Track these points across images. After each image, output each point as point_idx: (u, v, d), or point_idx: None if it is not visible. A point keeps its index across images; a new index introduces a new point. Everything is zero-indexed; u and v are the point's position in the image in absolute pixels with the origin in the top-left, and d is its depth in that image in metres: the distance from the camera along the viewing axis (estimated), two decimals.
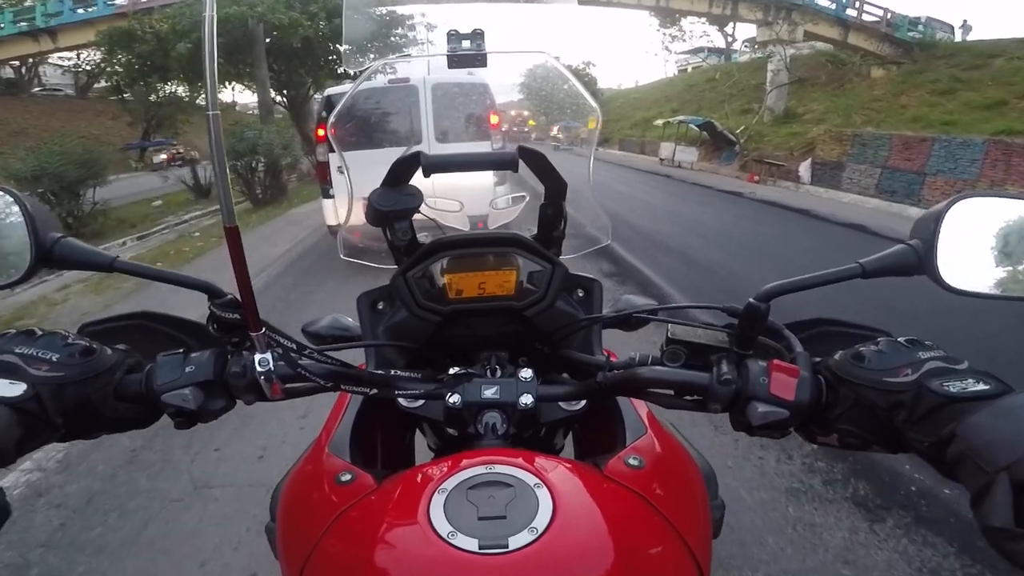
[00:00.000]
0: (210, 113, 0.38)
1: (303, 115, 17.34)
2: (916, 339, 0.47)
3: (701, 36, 37.87)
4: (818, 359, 0.51)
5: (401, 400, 0.64)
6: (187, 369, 0.51)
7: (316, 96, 16.89)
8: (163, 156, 26.46)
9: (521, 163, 0.66)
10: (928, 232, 0.50)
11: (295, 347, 0.51)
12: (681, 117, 18.83)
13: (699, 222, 8.17)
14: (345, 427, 0.69)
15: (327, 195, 5.33)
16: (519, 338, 0.72)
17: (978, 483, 0.36)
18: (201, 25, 0.36)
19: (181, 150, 25.92)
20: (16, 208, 0.51)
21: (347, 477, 0.56)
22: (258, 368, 0.49)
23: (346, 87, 4.68)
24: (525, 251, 0.69)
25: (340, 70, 17.44)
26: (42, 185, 8.52)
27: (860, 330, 0.57)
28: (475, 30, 0.68)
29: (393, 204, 0.67)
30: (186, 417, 0.52)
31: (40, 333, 0.49)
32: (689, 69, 42.33)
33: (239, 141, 10.66)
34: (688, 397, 0.54)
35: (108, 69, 14.88)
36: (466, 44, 0.68)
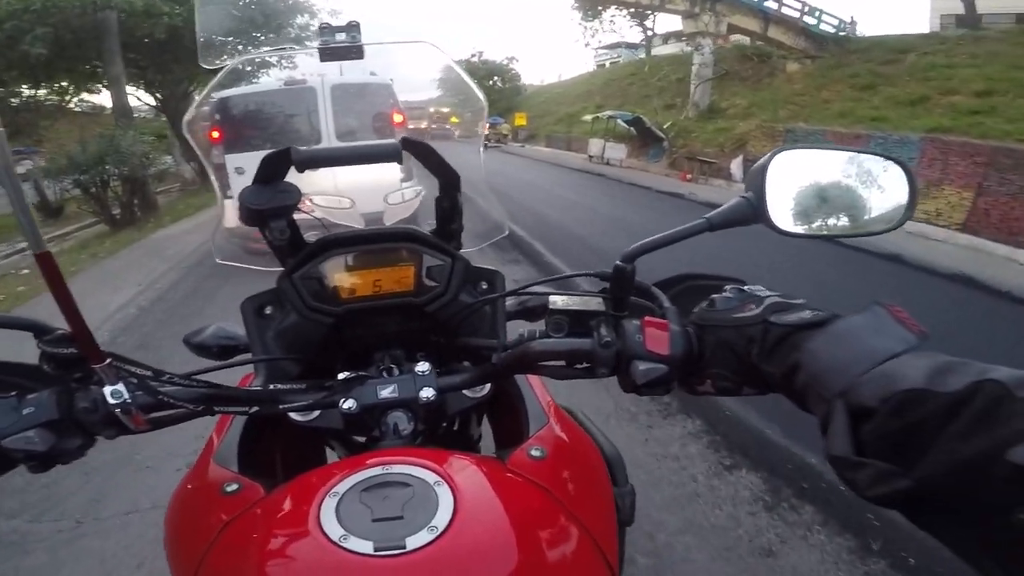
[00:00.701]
0: None
1: (181, 117, 15.22)
2: (760, 287, 0.51)
3: (612, 31, 37.70)
4: (685, 312, 0.52)
5: (294, 415, 0.61)
6: (25, 411, 0.47)
7: (196, 95, 15.10)
8: (26, 166, 23.19)
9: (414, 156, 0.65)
10: (757, 184, 0.54)
11: (150, 374, 0.49)
12: (609, 112, 18.05)
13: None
14: (232, 437, 0.65)
15: (227, 196, 4.44)
16: (420, 335, 0.70)
17: (822, 411, 0.37)
18: None
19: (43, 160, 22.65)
20: None
21: (233, 487, 0.54)
22: (111, 401, 0.46)
23: (240, 89, 4.67)
24: (422, 245, 0.67)
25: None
26: None
27: (719, 281, 0.58)
28: (350, 22, 0.67)
29: (267, 202, 0.63)
30: (39, 460, 0.47)
31: None
32: (607, 64, 42.47)
33: (81, 152, 8.65)
34: (578, 366, 0.54)
35: None
36: (340, 37, 0.67)
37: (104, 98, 15.92)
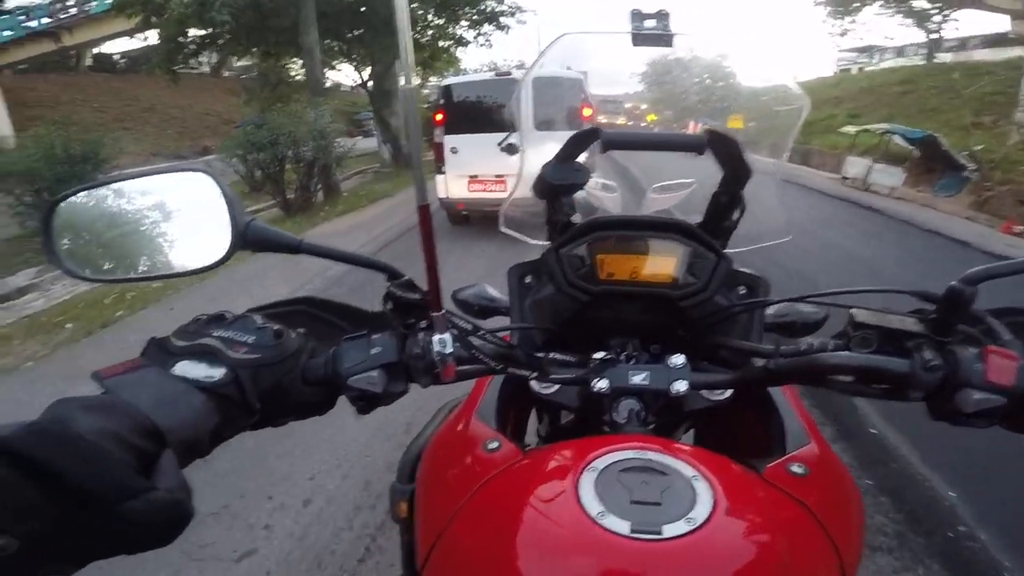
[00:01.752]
0: (405, 86, 0.38)
1: (384, 95, 14.49)
2: None
3: (865, 31, 31.17)
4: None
5: (534, 384, 0.65)
6: (372, 351, 0.51)
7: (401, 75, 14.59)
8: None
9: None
10: None
11: (471, 328, 0.54)
12: (885, 126, 13.70)
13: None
14: (492, 395, 0.69)
15: (440, 171, 6.13)
16: (660, 326, 0.69)
17: None
18: None
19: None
20: (216, 191, 0.51)
21: (494, 445, 0.56)
22: (437, 349, 0.50)
23: (461, 78, 5.80)
24: (689, 239, 0.65)
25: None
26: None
27: None
28: (660, 11, 0.67)
29: (563, 178, 0.67)
30: (368, 401, 0.52)
31: (231, 317, 0.48)
32: (855, 69, 35.94)
33: (254, 130, 7.97)
34: (877, 385, 0.52)
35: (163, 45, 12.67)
36: (649, 24, 0.66)
37: (340, 74, 16.01)
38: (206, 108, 24.58)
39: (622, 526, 0.39)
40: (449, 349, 0.50)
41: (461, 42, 15.54)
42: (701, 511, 0.41)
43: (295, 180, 8.60)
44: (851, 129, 14.50)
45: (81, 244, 0.57)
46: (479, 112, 6.04)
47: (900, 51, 33.20)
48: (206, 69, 30.92)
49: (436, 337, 0.50)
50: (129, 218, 0.57)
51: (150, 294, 4.67)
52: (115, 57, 29.26)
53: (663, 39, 0.66)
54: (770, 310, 0.68)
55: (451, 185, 6.13)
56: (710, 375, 0.62)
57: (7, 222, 6.52)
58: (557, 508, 0.43)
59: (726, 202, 0.69)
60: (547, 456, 0.52)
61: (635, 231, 0.66)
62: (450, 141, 6.06)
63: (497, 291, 0.79)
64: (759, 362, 0.58)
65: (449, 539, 0.48)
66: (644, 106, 1.13)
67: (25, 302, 5.03)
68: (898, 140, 13.10)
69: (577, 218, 0.71)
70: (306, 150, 8.22)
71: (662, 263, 0.65)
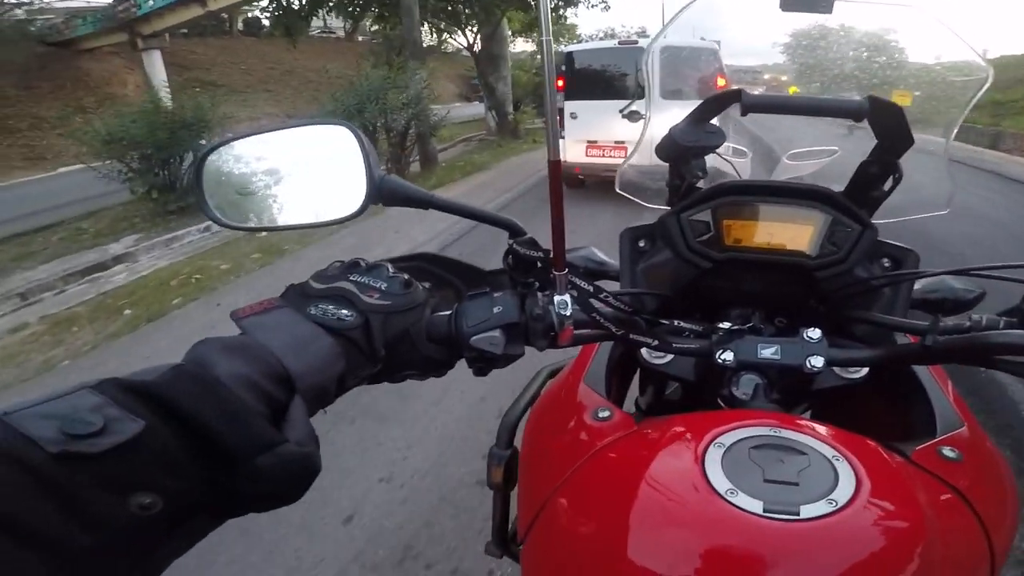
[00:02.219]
0: (544, 39, 0.38)
1: (492, 59, 13.68)
2: None
3: None
4: None
5: (645, 353, 0.64)
6: (495, 310, 0.49)
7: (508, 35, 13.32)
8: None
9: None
10: None
11: (591, 290, 0.51)
12: None
13: None
14: (600, 363, 0.66)
15: (561, 137, 5.72)
16: (789, 298, 0.66)
17: None
18: None
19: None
20: (355, 144, 0.52)
21: (605, 414, 0.55)
22: (557, 310, 0.49)
23: (582, 45, 5.75)
24: (832, 207, 0.61)
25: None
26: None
27: None
28: None
29: (695, 140, 0.63)
30: (486, 362, 0.49)
31: (366, 264, 0.48)
32: None
33: (343, 95, 7.51)
34: None
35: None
36: None
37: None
38: (339, 72, 25.26)
39: (754, 504, 0.38)
40: (569, 311, 0.48)
41: (571, 2, 14.58)
42: (843, 492, 0.39)
43: (387, 151, 8.09)
44: None
45: (228, 194, 0.58)
46: (600, 79, 6.13)
47: None
48: (342, 34, 32.08)
49: (557, 298, 0.48)
50: (272, 169, 0.57)
51: (211, 280, 4.55)
52: (262, 20, 31.29)
53: (821, 4, 0.63)
54: (916, 285, 0.64)
55: (569, 149, 6.18)
56: (850, 351, 0.58)
57: (120, 187, 6.74)
58: (680, 483, 0.41)
59: (877, 171, 0.63)
60: (666, 427, 0.49)
61: (771, 196, 0.63)
62: (570, 107, 6.15)
63: (605, 255, 0.76)
64: (903, 339, 0.57)
65: (554, 509, 0.48)
66: (784, 78, 1.02)
67: (110, 274, 5.09)
68: None
69: (703, 184, 0.67)
70: (397, 118, 7.62)
71: (798, 231, 0.61)
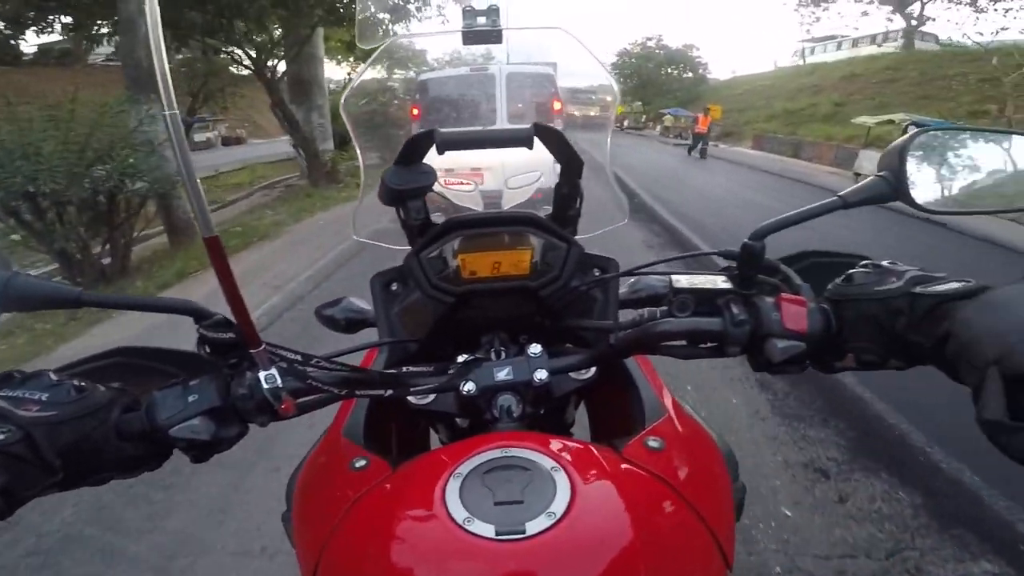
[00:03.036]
0: (167, 113, 0.34)
1: (301, 85, 11.38)
2: (894, 261, 0.50)
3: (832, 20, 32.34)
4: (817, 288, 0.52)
5: (411, 399, 0.64)
6: (190, 399, 0.48)
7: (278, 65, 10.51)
8: (207, 135, 22.63)
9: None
10: (895, 163, 0.52)
11: (299, 358, 0.50)
12: (910, 116, 11.63)
13: None
14: (359, 413, 0.66)
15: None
16: (527, 318, 0.70)
17: (974, 380, 0.37)
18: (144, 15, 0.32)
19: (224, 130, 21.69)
20: None
21: (362, 463, 0.55)
22: (265, 386, 0.47)
23: (439, 73, 2.80)
24: (539, 230, 0.66)
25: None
26: None
27: (843, 258, 0.59)
28: (491, 6, 0.68)
29: (407, 182, 0.63)
30: (200, 450, 0.48)
31: (22, 376, 0.45)
32: (804, 60, 38.07)
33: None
34: (703, 345, 0.54)
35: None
36: (481, 20, 0.68)
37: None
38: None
39: (487, 529, 0.39)
40: (279, 383, 0.47)
41: (399, 17, 11.76)
42: (560, 503, 0.40)
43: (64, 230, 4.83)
44: (868, 120, 12.21)
45: None
46: (455, 106, 4.76)
47: (860, 40, 34.56)
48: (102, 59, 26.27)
49: (262, 374, 0.47)
50: None
51: None
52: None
53: (492, 35, 0.68)
54: (624, 288, 0.71)
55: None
56: (565, 358, 0.61)
57: None
58: (426, 520, 0.42)
59: (567, 192, 0.68)
60: (415, 468, 0.49)
61: (489, 227, 0.66)
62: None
63: (364, 302, 0.77)
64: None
65: (326, 564, 0.47)
66: (609, 98, 0.99)
67: None
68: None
69: (437, 217, 0.68)
70: (88, 181, 4.77)
71: (519, 256, 0.65)
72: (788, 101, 23.54)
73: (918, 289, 0.44)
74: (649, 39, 41.37)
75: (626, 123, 35.44)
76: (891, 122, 11.80)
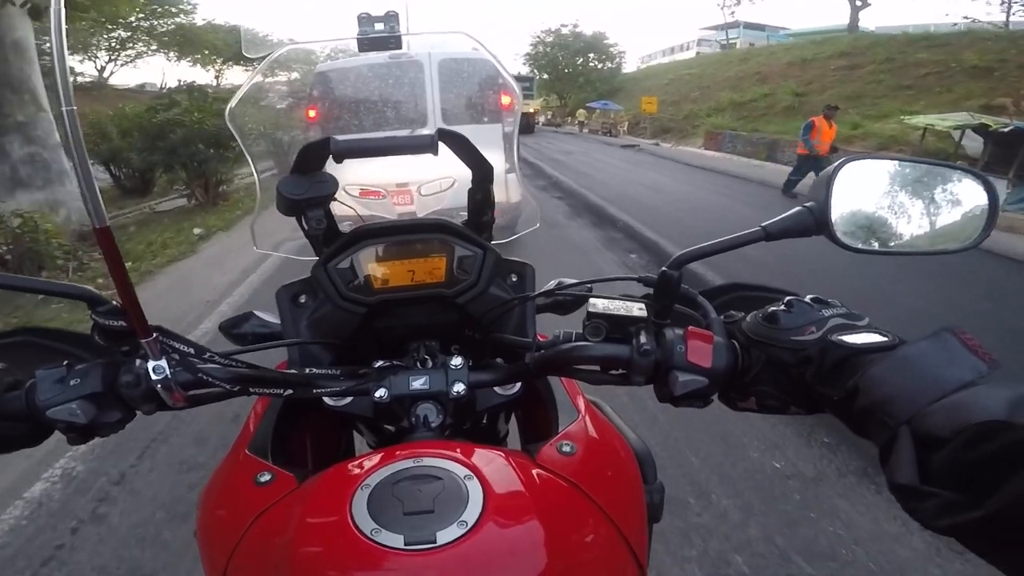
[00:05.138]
0: (65, 109, 0.35)
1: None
2: (820, 297, 0.48)
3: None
4: (732, 323, 0.52)
5: (327, 399, 0.63)
6: (72, 382, 0.48)
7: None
8: None
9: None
10: (822, 195, 0.50)
11: (192, 351, 0.48)
12: (961, 116, 8.46)
13: None
14: (266, 427, 0.65)
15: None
16: (452, 327, 0.69)
17: (883, 438, 0.36)
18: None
19: None
20: None
21: (266, 478, 0.54)
22: (153, 376, 0.47)
23: (340, 63, 2.43)
24: (453, 236, 0.65)
25: None
26: None
27: (770, 292, 0.58)
28: (388, 12, 0.66)
29: (304, 192, 0.60)
30: (79, 432, 0.49)
31: None
32: (717, 47, 37.41)
33: None
34: (613, 372, 0.53)
35: None
36: (379, 27, 0.66)
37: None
38: None
39: (396, 540, 0.38)
40: (166, 374, 0.46)
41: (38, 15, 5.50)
42: (473, 511, 0.40)
43: None
44: (920, 120, 8.90)
45: None
46: (370, 105, 2.67)
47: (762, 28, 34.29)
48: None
49: (151, 364, 0.46)
50: None
51: None
52: None
53: (391, 41, 0.66)
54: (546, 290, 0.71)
55: (340, 197, 2.72)
56: (486, 373, 0.61)
57: None
58: (330, 533, 0.41)
59: (481, 198, 0.67)
60: (321, 482, 0.48)
61: (401, 235, 0.64)
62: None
63: (272, 316, 0.74)
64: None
65: None
66: (511, 100, 0.98)
67: None
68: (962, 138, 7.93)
69: (348, 227, 0.67)
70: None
71: (434, 264, 0.64)
72: (732, 92, 20.75)
73: (833, 338, 0.42)
74: (564, 25, 38.95)
75: (542, 120, 33.27)
76: (945, 123, 8.53)
